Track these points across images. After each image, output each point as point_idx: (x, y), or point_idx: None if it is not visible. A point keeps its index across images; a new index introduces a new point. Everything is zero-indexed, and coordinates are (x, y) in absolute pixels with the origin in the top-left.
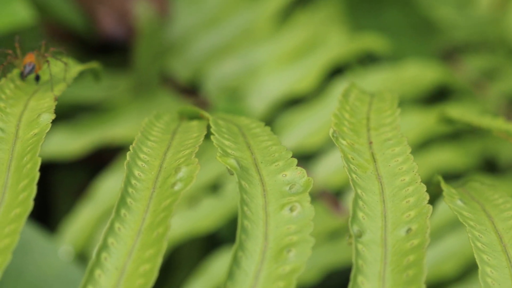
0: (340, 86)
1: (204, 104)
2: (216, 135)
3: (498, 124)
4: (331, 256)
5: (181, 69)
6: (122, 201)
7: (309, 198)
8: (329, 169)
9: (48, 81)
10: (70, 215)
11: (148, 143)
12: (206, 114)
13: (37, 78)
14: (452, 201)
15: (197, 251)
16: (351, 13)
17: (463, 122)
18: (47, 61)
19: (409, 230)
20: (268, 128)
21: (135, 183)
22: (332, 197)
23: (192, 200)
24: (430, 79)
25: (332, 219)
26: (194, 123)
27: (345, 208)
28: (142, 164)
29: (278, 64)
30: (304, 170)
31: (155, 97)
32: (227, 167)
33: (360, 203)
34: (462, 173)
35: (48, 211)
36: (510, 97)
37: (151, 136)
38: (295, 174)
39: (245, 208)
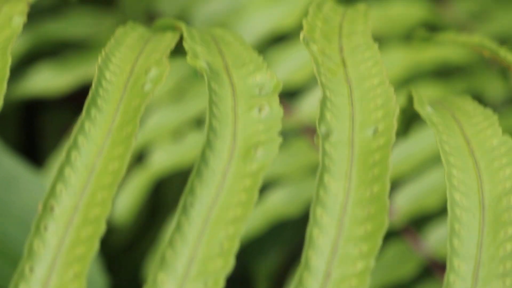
0: None
1: None
2: (189, 40)
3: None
4: (313, 191)
5: (168, 7)
6: (92, 102)
7: (277, 99)
8: (313, 105)
9: None
10: (56, 151)
11: (121, 49)
12: (181, 24)
13: None
14: (422, 106)
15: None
16: None
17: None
18: None
19: (375, 130)
20: (241, 36)
21: (105, 85)
22: (315, 132)
23: (177, 134)
24: (417, 17)
25: (315, 154)
26: (168, 33)
27: None
28: (113, 68)
29: (264, 1)
30: (274, 73)
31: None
32: (197, 70)
33: (328, 104)
34: None
35: (35, 149)
36: (497, 39)
37: (124, 42)
38: (265, 77)
39: (214, 108)
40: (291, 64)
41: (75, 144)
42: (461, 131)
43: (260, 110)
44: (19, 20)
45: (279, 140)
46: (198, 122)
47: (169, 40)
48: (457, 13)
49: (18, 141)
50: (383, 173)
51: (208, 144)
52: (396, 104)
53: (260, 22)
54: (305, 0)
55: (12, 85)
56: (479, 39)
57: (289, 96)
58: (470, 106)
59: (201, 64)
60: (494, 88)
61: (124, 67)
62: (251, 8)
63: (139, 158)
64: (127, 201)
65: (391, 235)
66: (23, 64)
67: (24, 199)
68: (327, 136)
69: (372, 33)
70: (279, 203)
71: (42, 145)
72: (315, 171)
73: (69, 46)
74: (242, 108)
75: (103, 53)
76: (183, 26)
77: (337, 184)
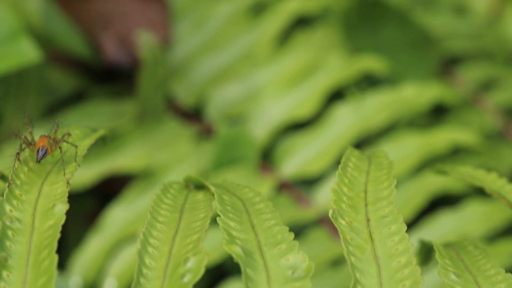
0: (339, 111)
1: (208, 131)
2: (222, 216)
3: (490, 179)
4: (333, 283)
5: (184, 94)
6: None
7: (310, 285)
8: (328, 195)
9: (59, 161)
10: (80, 245)
11: (157, 226)
12: (210, 187)
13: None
14: (447, 275)
15: (204, 283)
16: (348, 34)
17: (456, 176)
18: (60, 147)
19: None
20: (270, 204)
21: (146, 272)
22: (331, 222)
23: None
24: (428, 98)
25: (335, 245)
26: (201, 196)
27: None
28: (152, 251)
29: (278, 88)
30: (305, 255)
31: (160, 124)
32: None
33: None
34: (459, 197)
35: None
36: (508, 108)
37: (160, 216)
38: (298, 258)
39: None
40: (307, 153)
41: None
42: None
43: None
44: (62, 208)
45: None
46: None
47: (203, 214)
48: (467, 84)
49: None
50: None
51: None
52: None
53: (275, 110)
54: (319, 87)
55: None
56: (497, 184)
57: (306, 185)
58: (492, 269)
59: (237, 251)
60: (507, 168)
61: (163, 249)
62: (265, 95)
63: None
64: None
65: None
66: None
67: None
68: None
69: (385, 119)
70: None
71: (65, 236)
72: (335, 263)
73: None
74: None
75: (141, 235)
76: (214, 192)
77: None
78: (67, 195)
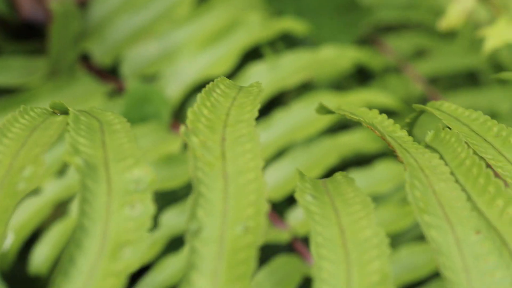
0: (254, 68)
1: (121, 89)
2: (72, 132)
3: (369, 115)
4: None
5: (101, 53)
6: None
7: (151, 196)
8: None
9: None
10: None
11: (4, 141)
12: (70, 108)
13: None
14: (302, 196)
15: None
16: None
17: (339, 113)
18: None
19: (246, 227)
20: (128, 125)
21: None
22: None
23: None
24: (348, 60)
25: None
26: (59, 118)
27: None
28: None
29: (196, 47)
30: (151, 169)
31: (72, 81)
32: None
33: (202, 201)
34: (372, 157)
35: None
36: (431, 77)
37: (10, 133)
38: (142, 172)
39: (86, 206)
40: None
41: None
42: (337, 221)
43: (132, 207)
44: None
45: (147, 239)
46: None
47: (54, 130)
48: (393, 53)
49: None
50: (246, 273)
51: (77, 243)
52: (266, 202)
53: (191, 69)
54: (236, 46)
55: None
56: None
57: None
58: (352, 192)
59: (77, 161)
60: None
61: (5, 162)
62: (182, 54)
63: (59, 208)
64: (45, 251)
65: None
66: None
67: None
68: (197, 233)
69: (301, 79)
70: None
71: None
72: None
73: None
74: (115, 205)
75: None
76: (71, 113)
77: (205, 282)
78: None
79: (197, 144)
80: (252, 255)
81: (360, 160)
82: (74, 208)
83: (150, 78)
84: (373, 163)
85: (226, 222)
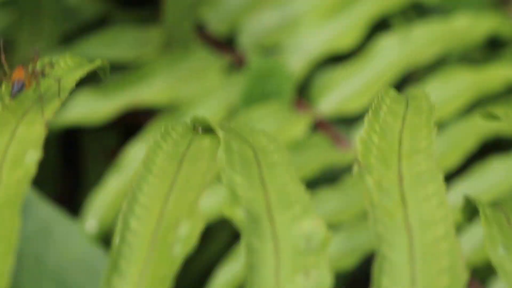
0: (384, 42)
1: (239, 62)
2: (227, 169)
3: None
4: (370, 236)
5: (216, 22)
6: (114, 266)
7: (327, 260)
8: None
9: (40, 98)
10: (98, 186)
11: (149, 179)
12: (219, 131)
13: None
14: (494, 248)
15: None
16: None
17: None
18: (37, 80)
19: None
20: (286, 154)
21: (130, 239)
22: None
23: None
24: (483, 31)
25: None
26: (207, 142)
27: None
28: (140, 211)
29: (318, 16)
30: (322, 221)
31: (189, 53)
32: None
33: (386, 265)
34: None
35: (78, 177)
36: None
37: (155, 166)
38: (313, 225)
39: (254, 276)
40: (347, 89)
41: None
42: None
43: (306, 274)
44: (33, 156)
45: None
46: None
47: (205, 162)
48: None
49: (60, 169)
50: None
51: None
52: (465, 270)
53: (314, 40)
54: (363, 16)
55: None
56: None
57: (346, 124)
58: None
59: (239, 215)
60: None
61: (153, 210)
62: (304, 24)
63: None
64: None
65: None
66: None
67: (59, 250)
68: None
69: (434, 53)
70: (332, 254)
71: (85, 172)
72: None
73: (111, 69)
74: (286, 272)
75: (129, 192)
76: (221, 137)
77: None
78: (42, 140)
79: (372, 187)
80: None
81: (501, 145)
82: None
83: (269, 50)
84: None
85: None
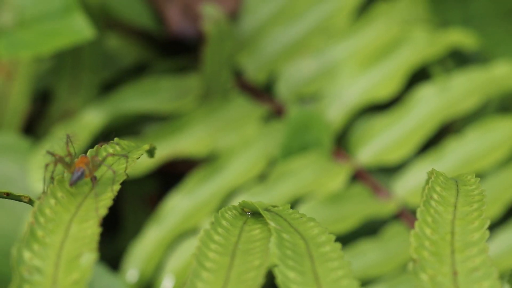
0: (423, 92)
1: (278, 110)
2: (280, 263)
3: None
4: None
5: (253, 69)
6: None
7: None
8: (413, 185)
9: (92, 192)
10: (139, 233)
11: (203, 276)
12: (270, 222)
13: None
14: None
15: None
16: (435, 6)
17: None
18: (93, 176)
19: None
20: (339, 247)
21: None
22: (412, 217)
23: None
24: None
25: None
26: (257, 231)
27: None
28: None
29: (356, 65)
30: None
31: (227, 103)
32: None
33: None
34: None
35: (117, 223)
36: None
37: (208, 261)
38: None
39: None
40: (386, 138)
41: None
42: None
43: None
44: (89, 258)
45: None
46: None
47: (258, 260)
48: None
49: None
50: None
51: None
52: None
53: (353, 89)
54: (402, 65)
55: None
56: None
57: (385, 174)
58: None
59: None
60: None
61: None
62: (343, 72)
63: None
64: None
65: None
66: (101, 139)
67: None
68: None
69: (474, 102)
70: None
71: (125, 217)
72: None
73: (148, 119)
74: None
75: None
76: (273, 230)
77: None
78: (97, 239)
79: (427, 283)
80: None
81: None
82: None
83: (307, 99)
84: None
85: None
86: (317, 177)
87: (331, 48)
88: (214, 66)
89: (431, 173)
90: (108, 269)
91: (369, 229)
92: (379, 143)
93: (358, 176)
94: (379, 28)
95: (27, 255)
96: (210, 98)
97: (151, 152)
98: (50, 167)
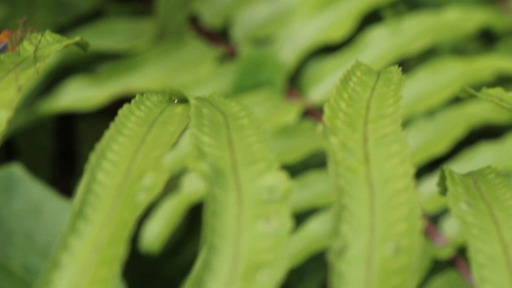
0: (374, 33)
1: (232, 53)
2: (195, 129)
3: None
4: None
5: (210, 14)
6: (80, 212)
7: (288, 209)
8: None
9: (16, 65)
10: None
11: (119, 139)
12: (191, 99)
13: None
14: (456, 203)
15: None
16: None
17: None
18: (15, 41)
19: (397, 247)
20: (256, 119)
21: (97, 189)
22: None
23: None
24: (475, 23)
25: None
26: (179, 109)
27: None
28: (108, 166)
29: (310, 9)
30: (286, 176)
31: (181, 44)
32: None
33: (346, 214)
34: (502, 129)
35: (72, 161)
36: None
37: (126, 129)
38: (276, 179)
39: (215, 221)
40: (337, 79)
41: (56, 263)
42: (499, 235)
43: (267, 221)
44: (3, 115)
45: (286, 261)
46: None
47: (174, 126)
48: None
49: (54, 154)
50: None
51: (206, 264)
52: (421, 218)
53: (306, 32)
54: (356, 8)
55: (45, 98)
56: None
57: None
58: (509, 193)
59: (203, 167)
60: None
61: (120, 166)
62: (296, 16)
63: (170, 183)
64: (156, 228)
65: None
66: (55, 77)
67: (49, 228)
68: (342, 252)
69: (425, 44)
70: (320, 232)
71: (81, 156)
72: None
73: (104, 58)
74: (247, 219)
75: (98, 149)
76: (192, 104)
77: None
78: (15, 102)
79: (336, 146)
80: (407, 280)
81: (489, 132)
82: (186, 182)
83: (261, 41)
84: (504, 136)
85: (374, 240)
86: (269, 115)
87: None
88: (168, 8)
89: (352, 63)
90: (57, 195)
91: (318, 162)
92: (330, 82)
93: (309, 113)
94: None
95: None
96: (165, 40)
97: (82, 47)
98: None
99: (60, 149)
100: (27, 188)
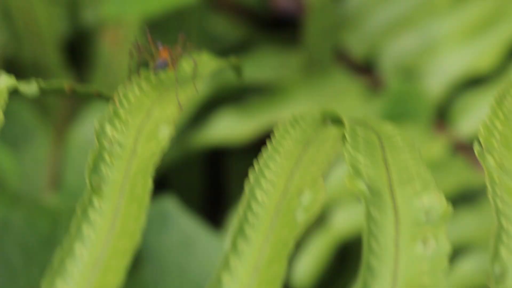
0: None
1: (377, 84)
2: (351, 148)
3: None
4: None
5: (355, 45)
6: (240, 231)
7: (445, 232)
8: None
9: (175, 84)
10: (234, 209)
11: (276, 158)
12: (344, 120)
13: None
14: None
15: None
16: None
17: None
18: (173, 63)
19: None
20: (411, 138)
21: (256, 208)
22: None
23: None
24: None
25: None
26: (333, 131)
27: None
28: (266, 186)
29: (458, 40)
30: (442, 196)
31: (327, 76)
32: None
33: (504, 237)
34: None
35: (223, 197)
36: None
37: (281, 148)
38: (433, 199)
39: (373, 242)
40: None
41: (218, 282)
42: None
43: (424, 243)
44: (166, 131)
45: (444, 284)
46: None
47: (329, 146)
48: None
49: (203, 190)
50: None
51: (364, 285)
52: None
53: (454, 63)
54: (505, 36)
55: (195, 132)
56: None
57: None
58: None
59: (361, 187)
60: None
61: (278, 185)
62: (443, 46)
63: (321, 219)
64: (307, 265)
65: None
66: (205, 110)
67: (200, 262)
68: (502, 278)
69: None
70: (471, 273)
71: (230, 191)
72: None
73: (252, 90)
74: (405, 240)
75: (256, 168)
76: (347, 124)
77: None
78: (175, 119)
79: (493, 166)
80: None
81: None
82: (336, 217)
83: (409, 73)
84: None
85: None
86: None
87: (433, 24)
88: (315, 38)
89: (507, 81)
90: (209, 229)
91: (467, 199)
92: (480, 115)
93: (459, 148)
94: (480, 3)
95: (108, 128)
96: (312, 71)
97: (238, 71)
98: (135, 57)
99: (210, 184)
100: (181, 221)
